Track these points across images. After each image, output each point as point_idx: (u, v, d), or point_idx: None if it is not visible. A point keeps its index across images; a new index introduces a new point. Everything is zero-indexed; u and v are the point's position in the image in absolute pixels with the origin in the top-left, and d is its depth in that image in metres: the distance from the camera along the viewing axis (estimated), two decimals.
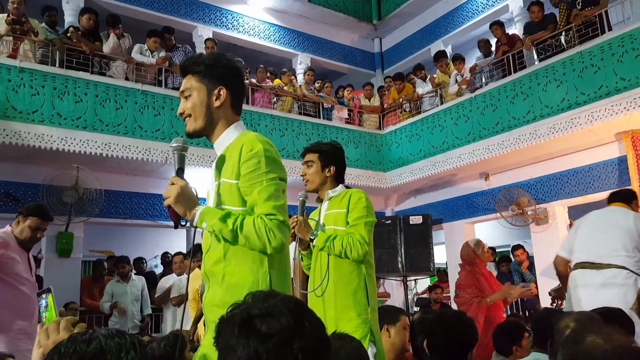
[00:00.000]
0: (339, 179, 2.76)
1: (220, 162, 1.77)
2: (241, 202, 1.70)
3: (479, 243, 4.98)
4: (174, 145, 1.74)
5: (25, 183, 6.61)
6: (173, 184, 1.69)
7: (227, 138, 1.80)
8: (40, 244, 6.93)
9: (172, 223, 1.74)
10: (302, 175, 2.74)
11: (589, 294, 3.52)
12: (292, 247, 3.58)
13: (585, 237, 3.74)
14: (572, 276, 3.69)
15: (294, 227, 2.53)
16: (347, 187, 2.77)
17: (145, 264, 8.08)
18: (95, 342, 0.97)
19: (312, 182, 2.71)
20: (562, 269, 3.86)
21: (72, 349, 0.96)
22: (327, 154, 2.70)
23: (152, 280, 7.20)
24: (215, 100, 1.79)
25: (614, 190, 4.21)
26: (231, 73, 1.84)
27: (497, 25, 7.71)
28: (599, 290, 3.49)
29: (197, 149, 6.55)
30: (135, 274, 7.02)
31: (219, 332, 1.01)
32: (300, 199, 2.73)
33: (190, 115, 1.80)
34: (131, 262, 7.10)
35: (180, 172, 1.74)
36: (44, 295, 1.44)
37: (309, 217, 2.82)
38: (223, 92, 1.80)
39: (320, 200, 2.78)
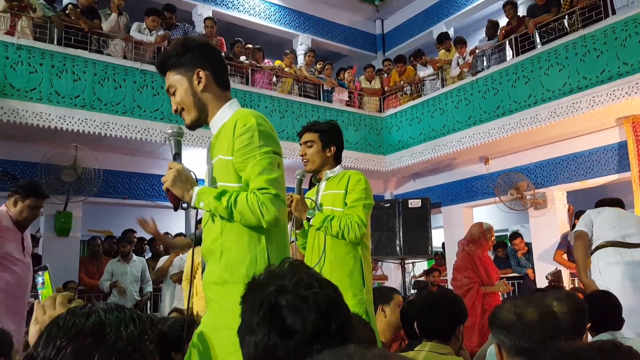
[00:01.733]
0: (338, 159, 2.74)
1: (215, 140, 1.77)
2: (237, 179, 1.69)
3: (490, 229, 5.05)
4: (169, 132, 1.78)
5: (23, 161, 6.58)
6: (170, 168, 1.72)
7: (222, 116, 1.78)
8: (39, 222, 6.95)
9: (170, 204, 1.74)
10: (301, 155, 2.70)
11: (629, 270, 3.65)
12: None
13: (611, 220, 3.87)
14: (604, 253, 3.79)
15: (290, 206, 2.52)
16: (345, 168, 2.76)
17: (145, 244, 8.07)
18: (95, 316, 0.96)
19: (312, 162, 2.67)
20: (586, 242, 3.89)
21: (71, 322, 0.95)
22: (327, 134, 2.67)
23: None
24: (198, 84, 1.77)
25: (608, 198, 4.27)
26: (203, 52, 1.81)
27: (510, 5, 7.61)
28: (637, 267, 3.65)
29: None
30: (135, 253, 7.00)
31: (245, 298, 0.99)
32: (298, 177, 2.70)
33: (183, 109, 1.80)
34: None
35: (177, 157, 1.78)
36: (40, 273, 1.43)
37: (305, 196, 2.81)
38: (202, 74, 1.77)
39: (317, 180, 2.76)
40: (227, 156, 1.69)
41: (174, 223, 8.99)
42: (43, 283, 1.43)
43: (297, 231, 2.71)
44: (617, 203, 4.13)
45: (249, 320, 0.96)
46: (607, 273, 3.72)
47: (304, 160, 2.70)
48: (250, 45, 8.02)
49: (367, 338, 1.99)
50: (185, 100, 1.78)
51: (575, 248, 3.98)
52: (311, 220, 2.54)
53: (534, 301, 1.69)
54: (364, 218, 2.51)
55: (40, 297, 1.41)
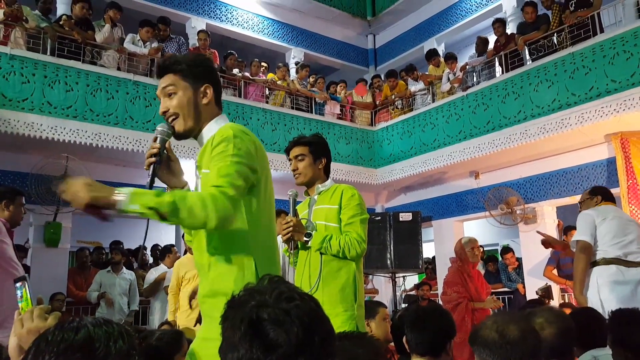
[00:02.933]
0: (327, 172, 2.74)
1: (201, 154, 1.75)
2: None
3: (469, 242, 4.98)
4: (159, 129, 1.72)
5: (13, 171, 6.54)
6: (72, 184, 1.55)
7: (209, 131, 1.76)
8: (28, 233, 6.89)
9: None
10: (293, 170, 2.68)
11: (629, 290, 3.50)
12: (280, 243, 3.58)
13: (614, 231, 3.66)
14: (605, 270, 3.61)
15: (289, 230, 2.50)
16: (336, 181, 2.77)
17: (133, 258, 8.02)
18: (84, 331, 0.95)
19: (304, 175, 2.65)
20: (588, 255, 3.66)
21: (59, 337, 0.94)
22: (317, 147, 2.66)
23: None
24: (203, 98, 1.76)
25: (600, 187, 4.22)
26: (212, 71, 1.83)
27: (500, 23, 7.75)
28: (638, 286, 3.51)
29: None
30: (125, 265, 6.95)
31: (225, 317, 0.98)
32: (291, 197, 2.65)
33: (177, 115, 1.73)
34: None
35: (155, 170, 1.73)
36: (18, 285, 1.40)
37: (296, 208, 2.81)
38: (209, 90, 1.77)
39: (307, 194, 2.75)
40: (207, 170, 1.66)
41: (163, 235, 8.94)
42: (22, 297, 1.40)
43: (292, 251, 2.64)
44: (611, 196, 3.96)
45: (230, 337, 0.94)
46: (606, 291, 3.56)
47: (296, 174, 2.68)
48: (258, 61, 8.13)
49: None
50: (185, 108, 1.73)
51: (576, 260, 3.72)
52: (309, 242, 2.51)
53: (516, 319, 1.68)
54: (363, 234, 2.51)
55: (19, 309, 1.38)
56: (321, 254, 2.52)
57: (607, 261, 3.62)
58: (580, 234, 3.74)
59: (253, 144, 1.68)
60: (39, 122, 6.01)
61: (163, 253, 6.59)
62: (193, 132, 1.77)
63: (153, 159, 1.65)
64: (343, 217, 2.56)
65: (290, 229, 2.50)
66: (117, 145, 6.44)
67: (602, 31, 6.43)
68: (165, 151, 1.74)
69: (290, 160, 2.69)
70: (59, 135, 6.10)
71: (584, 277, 3.67)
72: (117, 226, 9.19)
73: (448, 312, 2.53)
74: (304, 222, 2.62)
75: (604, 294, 3.56)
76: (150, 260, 8.41)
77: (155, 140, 1.69)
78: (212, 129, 1.76)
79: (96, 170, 6.84)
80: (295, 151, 2.66)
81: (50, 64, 6.19)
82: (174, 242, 7.84)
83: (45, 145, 6.20)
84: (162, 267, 6.16)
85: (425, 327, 2.23)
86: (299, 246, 2.65)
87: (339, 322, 2.37)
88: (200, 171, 1.73)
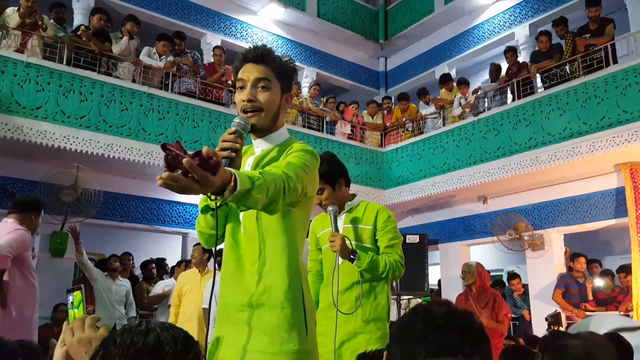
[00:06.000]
0: (348, 185, 2.74)
1: (266, 154, 1.75)
2: None
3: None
4: (237, 121, 1.58)
5: (23, 179, 6.54)
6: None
7: (280, 136, 1.78)
8: (34, 242, 6.85)
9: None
10: (317, 204, 2.61)
11: None
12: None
13: None
14: None
15: (333, 245, 2.48)
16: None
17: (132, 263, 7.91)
18: (153, 334, 0.94)
19: (332, 204, 2.61)
20: None
21: (128, 340, 0.93)
22: (331, 174, 2.61)
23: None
24: (285, 104, 1.79)
25: None
26: (292, 82, 1.85)
27: (512, 51, 7.83)
28: None
29: None
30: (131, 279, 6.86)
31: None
32: (332, 212, 2.58)
33: (260, 110, 1.70)
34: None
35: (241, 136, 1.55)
36: (73, 293, 1.39)
37: (313, 224, 2.81)
38: (290, 99, 1.81)
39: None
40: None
41: (168, 248, 8.92)
42: (72, 303, 1.38)
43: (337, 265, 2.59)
44: None
45: None
46: None
47: (324, 205, 2.64)
48: None
49: None
50: (271, 105, 1.72)
51: None
52: (355, 262, 2.49)
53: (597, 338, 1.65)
54: (403, 255, 2.57)
55: (68, 317, 1.36)
56: (361, 273, 2.52)
57: None
58: None
59: (316, 170, 1.74)
60: (51, 131, 6.02)
61: (172, 268, 6.57)
62: (268, 129, 1.75)
63: (233, 154, 1.47)
64: (382, 239, 2.58)
65: (338, 245, 2.46)
66: (129, 156, 6.44)
67: (615, 62, 6.47)
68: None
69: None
70: (71, 144, 6.10)
71: None
72: (120, 238, 9.15)
73: None
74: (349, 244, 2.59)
75: None
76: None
77: (233, 132, 1.52)
78: (285, 135, 1.80)
79: (107, 182, 6.85)
80: None
81: (65, 73, 6.23)
82: (180, 257, 7.81)
83: (56, 154, 6.21)
84: (170, 281, 6.11)
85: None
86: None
87: (375, 338, 2.40)
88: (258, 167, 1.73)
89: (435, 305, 1.07)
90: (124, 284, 6.45)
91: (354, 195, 2.76)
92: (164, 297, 6.04)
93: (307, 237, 2.53)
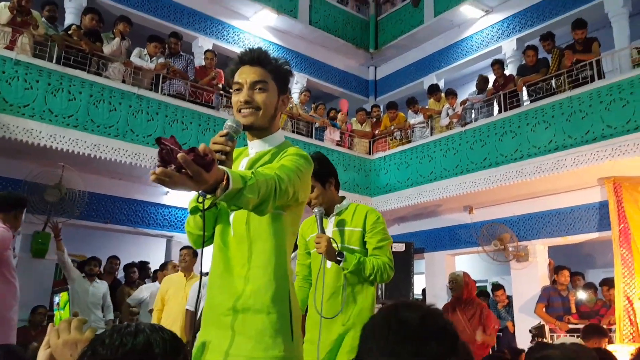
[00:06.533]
0: (337, 186, 2.72)
1: (262, 154, 1.76)
2: None
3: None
4: (229, 124, 1.56)
5: (6, 177, 6.44)
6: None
7: (275, 139, 1.78)
8: (15, 242, 6.72)
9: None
10: (307, 204, 2.65)
11: None
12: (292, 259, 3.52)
13: None
14: None
15: (319, 247, 2.45)
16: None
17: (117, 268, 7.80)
18: (142, 336, 0.93)
19: (321, 203, 2.61)
20: None
21: (117, 341, 0.92)
22: (322, 172, 2.59)
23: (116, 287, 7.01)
24: (281, 105, 1.79)
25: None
26: (288, 84, 1.86)
27: (499, 64, 7.94)
28: None
29: None
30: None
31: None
32: (318, 214, 2.58)
33: (257, 109, 1.71)
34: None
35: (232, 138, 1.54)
36: (59, 294, 1.36)
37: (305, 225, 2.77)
38: (287, 101, 1.82)
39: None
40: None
41: (152, 252, 8.82)
42: (59, 304, 1.36)
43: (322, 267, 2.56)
44: None
45: None
46: None
47: (313, 205, 2.62)
48: None
49: None
50: (268, 105, 1.73)
51: None
52: (342, 264, 2.46)
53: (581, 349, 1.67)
54: (392, 258, 2.52)
55: (54, 319, 1.34)
56: (345, 276, 2.48)
57: None
58: None
59: (309, 175, 1.74)
60: (38, 129, 5.95)
61: (155, 272, 6.50)
62: (264, 129, 1.76)
63: (223, 157, 1.47)
64: (371, 241, 2.54)
65: (324, 247, 2.44)
66: (116, 157, 6.38)
67: (599, 78, 6.57)
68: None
69: None
70: (57, 143, 6.04)
71: None
72: (102, 240, 9.02)
73: None
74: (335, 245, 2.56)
75: None
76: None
77: (225, 135, 1.52)
78: (280, 138, 1.80)
79: (92, 182, 6.78)
80: None
81: (55, 72, 6.17)
82: (162, 260, 7.74)
83: (42, 153, 6.13)
84: (154, 285, 6.04)
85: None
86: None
87: (356, 346, 2.35)
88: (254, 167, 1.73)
89: (405, 311, 1.04)
90: (101, 286, 6.28)
91: (343, 198, 2.74)
92: (142, 302, 5.97)
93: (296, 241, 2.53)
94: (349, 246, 2.54)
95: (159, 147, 1.15)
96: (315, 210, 2.59)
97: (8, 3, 6.09)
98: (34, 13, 6.26)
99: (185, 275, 5.18)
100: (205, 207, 1.45)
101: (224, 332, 1.61)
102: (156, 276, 6.73)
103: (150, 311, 5.71)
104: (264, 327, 1.58)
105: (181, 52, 7.48)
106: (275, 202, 1.50)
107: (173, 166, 1.14)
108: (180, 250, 5.34)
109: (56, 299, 1.38)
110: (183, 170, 1.15)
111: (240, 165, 1.76)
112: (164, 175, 1.14)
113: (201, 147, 1.20)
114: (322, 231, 2.54)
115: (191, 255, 5.20)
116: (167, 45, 7.33)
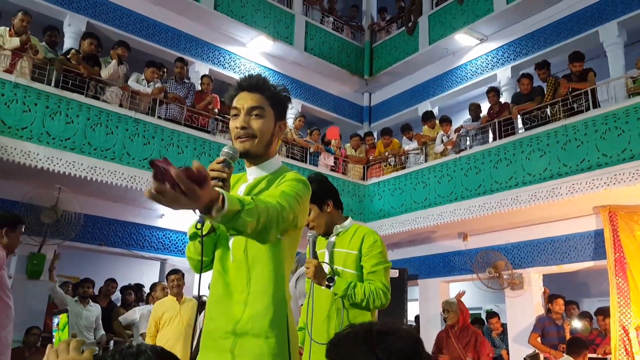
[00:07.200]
0: (339, 207, 2.65)
1: (258, 181, 1.77)
2: None
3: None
4: (226, 150, 1.58)
5: (2, 199, 6.42)
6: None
7: (271, 165, 1.80)
8: (10, 262, 6.67)
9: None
10: (306, 225, 2.50)
11: None
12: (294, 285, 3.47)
13: None
14: None
15: (307, 271, 2.42)
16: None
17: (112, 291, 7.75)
18: (144, 357, 0.93)
19: (319, 226, 2.57)
20: None
21: None
22: (319, 194, 2.51)
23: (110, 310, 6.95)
24: (279, 131, 1.81)
25: None
26: (286, 111, 1.88)
27: (494, 92, 8.02)
28: None
29: None
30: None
31: None
32: (311, 239, 2.54)
33: (254, 136, 1.73)
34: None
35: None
36: (59, 315, 1.36)
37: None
38: (283, 126, 1.83)
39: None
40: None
41: (146, 274, 8.74)
42: (58, 325, 1.36)
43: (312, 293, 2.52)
44: None
45: None
46: None
47: (311, 227, 2.58)
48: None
49: None
50: (264, 132, 1.74)
51: None
52: (332, 288, 2.39)
53: None
54: (387, 283, 2.42)
55: (53, 340, 1.34)
56: (342, 300, 2.42)
57: None
58: None
59: (308, 200, 1.75)
60: (35, 152, 5.97)
61: (147, 295, 6.44)
62: (260, 156, 1.77)
63: (219, 184, 1.50)
64: (366, 265, 2.46)
65: (312, 272, 2.41)
66: (112, 180, 6.39)
67: (594, 106, 6.63)
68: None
69: None
70: (54, 165, 6.05)
71: None
72: (97, 262, 8.96)
73: None
74: (329, 270, 2.51)
75: None
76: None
77: (222, 162, 1.55)
78: (277, 163, 1.82)
79: (87, 204, 6.77)
80: None
81: (53, 95, 6.22)
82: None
83: (39, 174, 6.14)
84: (146, 307, 5.99)
85: None
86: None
87: None
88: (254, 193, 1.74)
89: (383, 334, 1.04)
90: (95, 309, 6.31)
91: (346, 218, 2.67)
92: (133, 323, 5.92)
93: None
94: (344, 269, 2.48)
95: (152, 170, 1.15)
96: (309, 234, 2.55)
97: (7, 28, 6.14)
98: (33, 39, 6.32)
99: (177, 300, 5.15)
100: (204, 233, 1.48)
101: (222, 356, 1.62)
102: (149, 298, 6.68)
103: (142, 335, 5.65)
104: (262, 351, 1.58)
105: (185, 80, 7.58)
106: (278, 231, 1.52)
107: (168, 185, 1.15)
108: (168, 275, 5.30)
109: (55, 320, 1.36)
110: (177, 187, 1.16)
111: (239, 191, 1.78)
112: (159, 191, 1.15)
113: (194, 164, 1.21)
114: (314, 256, 2.49)
115: (182, 279, 5.18)
116: (165, 70, 7.43)
